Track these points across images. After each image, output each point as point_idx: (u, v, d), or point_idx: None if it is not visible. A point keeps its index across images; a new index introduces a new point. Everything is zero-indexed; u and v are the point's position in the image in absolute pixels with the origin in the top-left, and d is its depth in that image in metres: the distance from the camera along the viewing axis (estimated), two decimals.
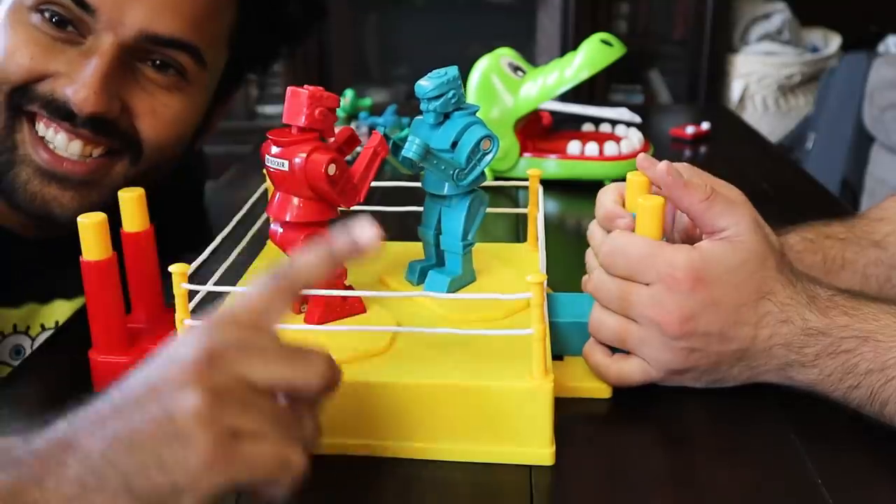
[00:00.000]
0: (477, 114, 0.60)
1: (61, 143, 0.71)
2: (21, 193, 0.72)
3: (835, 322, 0.53)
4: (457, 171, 0.59)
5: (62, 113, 0.70)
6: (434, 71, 0.59)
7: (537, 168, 1.08)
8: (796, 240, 0.66)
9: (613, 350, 0.58)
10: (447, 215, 0.62)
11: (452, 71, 0.59)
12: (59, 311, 0.82)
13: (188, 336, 0.42)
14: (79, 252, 0.56)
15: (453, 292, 0.62)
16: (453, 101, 0.59)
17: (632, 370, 0.57)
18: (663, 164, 0.56)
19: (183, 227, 0.82)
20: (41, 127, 0.71)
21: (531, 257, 0.70)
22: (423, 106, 0.59)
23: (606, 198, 0.62)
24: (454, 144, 0.59)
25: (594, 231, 0.64)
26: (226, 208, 1.05)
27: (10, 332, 0.80)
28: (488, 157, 0.59)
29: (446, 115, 0.59)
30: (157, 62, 0.72)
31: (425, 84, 0.58)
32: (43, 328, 0.81)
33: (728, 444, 0.55)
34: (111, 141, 0.72)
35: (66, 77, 0.70)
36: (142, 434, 0.38)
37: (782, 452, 0.53)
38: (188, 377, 0.39)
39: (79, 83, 0.68)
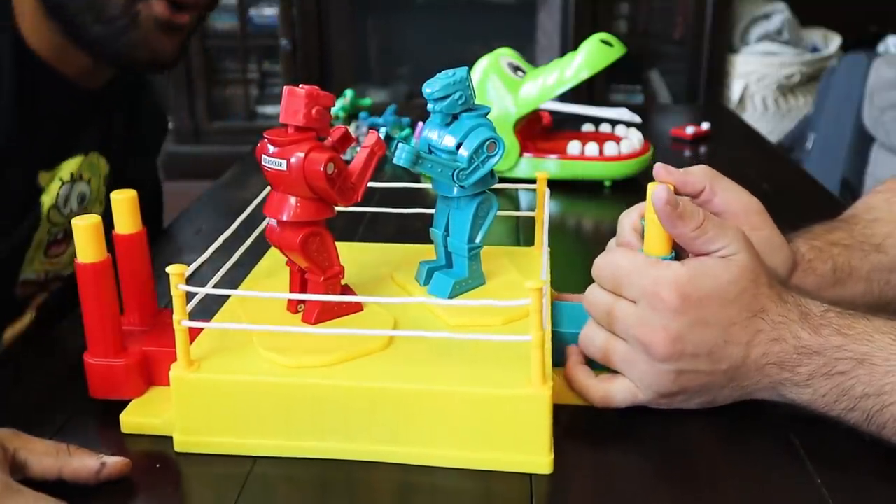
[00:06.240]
0: (487, 115, 0.60)
1: None
2: (138, 48, 0.79)
3: (829, 342, 0.52)
4: (457, 171, 0.58)
5: None
6: (443, 71, 0.58)
7: (537, 168, 1.08)
8: (806, 248, 0.64)
9: (595, 367, 0.57)
10: (454, 217, 0.61)
11: (461, 72, 0.58)
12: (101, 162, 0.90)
13: None
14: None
15: (458, 295, 0.62)
16: (460, 102, 0.58)
17: (618, 392, 0.55)
18: (662, 190, 0.54)
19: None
20: None
21: (540, 262, 0.69)
22: (429, 107, 0.59)
23: (626, 224, 0.60)
24: (459, 146, 0.58)
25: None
26: (226, 208, 1.05)
27: (76, 180, 0.86)
28: (493, 160, 0.59)
29: (455, 116, 0.59)
30: None
31: (432, 86, 0.58)
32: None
33: (728, 451, 0.54)
34: None
35: None
36: None
37: (782, 455, 0.53)
38: None
39: None
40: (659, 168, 0.58)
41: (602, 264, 0.56)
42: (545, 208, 0.69)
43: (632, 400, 0.55)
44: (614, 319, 0.54)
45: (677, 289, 0.52)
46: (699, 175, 0.59)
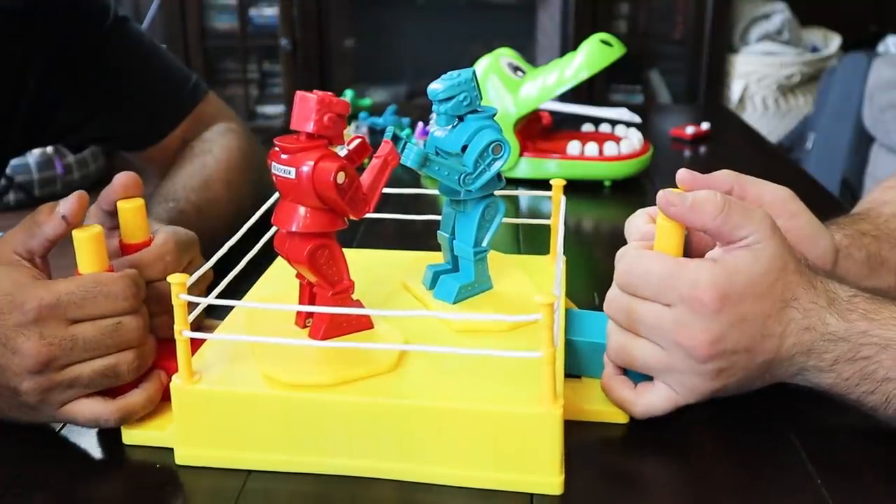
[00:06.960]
0: (493, 117, 0.59)
1: None
2: None
3: (855, 327, 0.52)
4: (463, 175, 0.57)
5: None
6: (448, 73, 0.57)
7: (537, 168, 1.08)
8: (839, 235, 0.63)
9: (625, 373, 0.56)
10: (461, 220, 0.61)
11: (466, 73, 0.57)
12: None
13: None
14: None
15: (464, 299, 0.61)
16: (465, 103, 0.57)
17: (658, 401, 0.54)
18: (664, 192, 0.53)
19: None
20: None
21: (552, 270, 0.65)
22: (434, 108, 0.58)
23: (639, 221, 0.59)
24: (465, 148, 0.58)
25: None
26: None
27: None
28: (498, 163, 0.58)
29: (461, 118, 0.58)
30: None
31: (436, 86, 0.57)
32: None
33: (728, 452, 0.54)
34: None
35: None
36: None
37: (783, 455, 0.53)
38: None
39: None
40: (683, 173, 0.57)
41: (628, 271, 0.54)
42: (560, 216, 0.67)
43: (672, 406, 0.54)
44: (646, 326, 0.53)
45: (716, 289, 0.51)
46: (723, 177, 0.59)
